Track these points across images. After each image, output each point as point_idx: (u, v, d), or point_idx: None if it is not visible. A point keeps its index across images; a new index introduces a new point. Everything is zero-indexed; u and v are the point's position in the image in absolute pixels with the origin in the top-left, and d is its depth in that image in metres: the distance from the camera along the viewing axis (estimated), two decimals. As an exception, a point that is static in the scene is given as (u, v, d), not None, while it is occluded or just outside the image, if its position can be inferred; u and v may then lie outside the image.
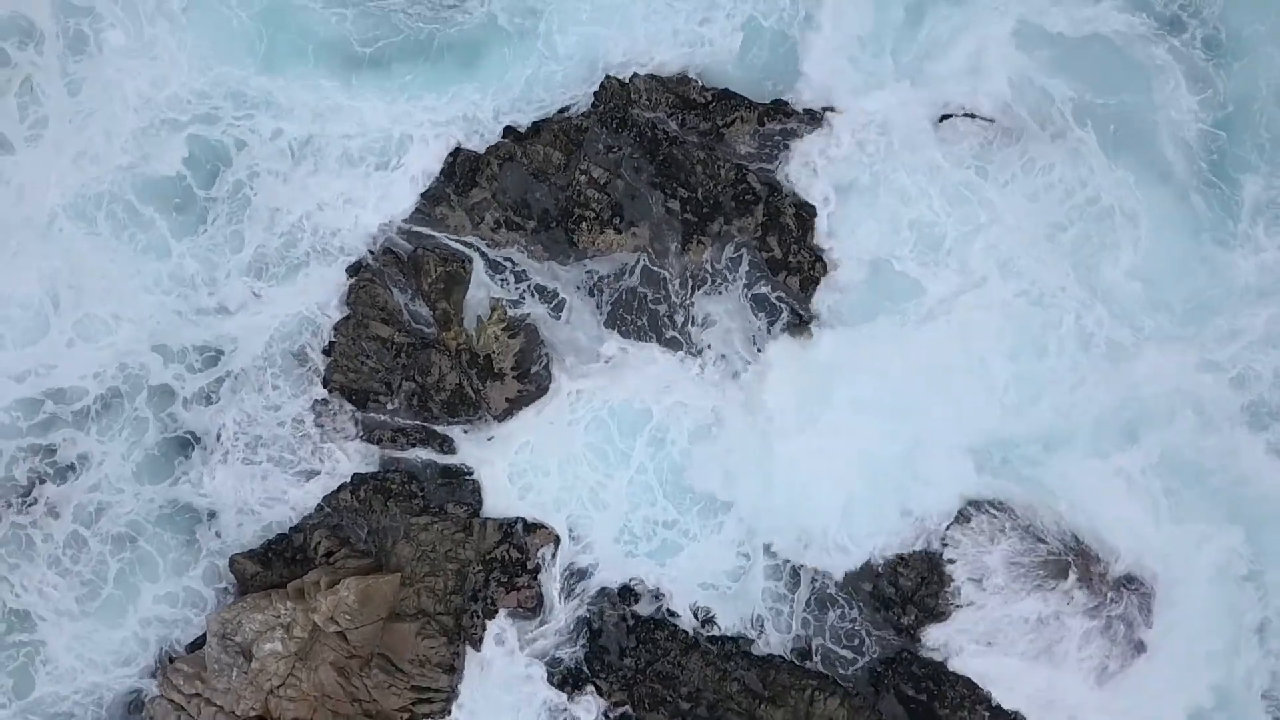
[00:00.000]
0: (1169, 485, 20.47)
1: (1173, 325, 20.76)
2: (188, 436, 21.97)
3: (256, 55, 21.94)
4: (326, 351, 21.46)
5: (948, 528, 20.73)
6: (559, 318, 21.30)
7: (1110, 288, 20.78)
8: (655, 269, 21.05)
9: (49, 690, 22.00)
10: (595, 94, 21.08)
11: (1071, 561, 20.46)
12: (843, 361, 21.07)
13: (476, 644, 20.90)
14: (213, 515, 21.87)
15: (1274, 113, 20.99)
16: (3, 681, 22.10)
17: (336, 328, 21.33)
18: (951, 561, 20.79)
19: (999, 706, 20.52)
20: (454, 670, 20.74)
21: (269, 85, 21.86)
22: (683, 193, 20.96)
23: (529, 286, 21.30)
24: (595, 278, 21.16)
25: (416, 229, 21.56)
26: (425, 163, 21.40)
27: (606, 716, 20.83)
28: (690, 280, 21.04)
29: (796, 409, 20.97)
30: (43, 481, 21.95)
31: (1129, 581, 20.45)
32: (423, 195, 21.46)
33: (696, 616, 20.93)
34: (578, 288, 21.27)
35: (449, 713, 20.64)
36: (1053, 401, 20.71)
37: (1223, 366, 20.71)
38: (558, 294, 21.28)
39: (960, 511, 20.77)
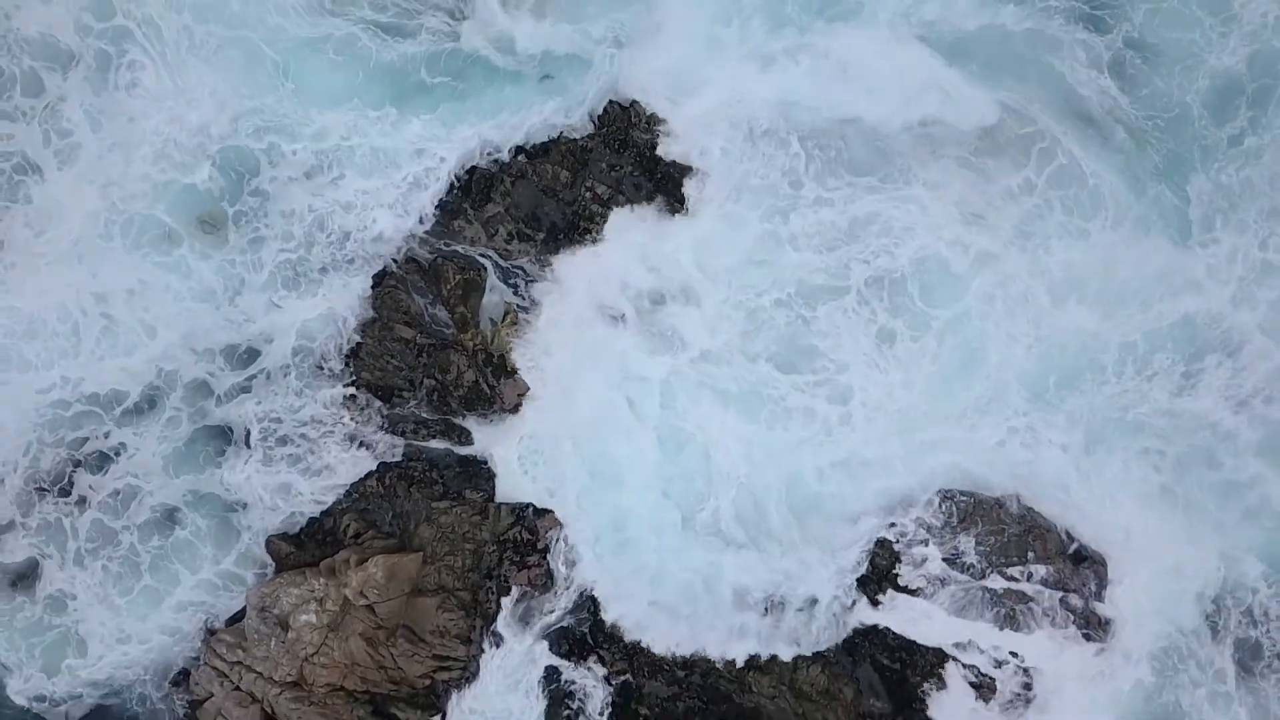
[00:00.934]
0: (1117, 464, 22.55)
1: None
2: (223, 430, 24.10)
3: (284, 84, 24.12)
4: (354, 352, 23.63)
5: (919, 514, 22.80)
6: (565, 320, 23.50)
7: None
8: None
9: (96, 663, 24.16)
10: (599, 118, 23.24)
11: (1030, 543, 22.48)
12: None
13: (491, 618, 22.98)
14: (244, 505, 24.05)
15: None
16: (50, 658, 24.33)
17: (364, 330, 23.47)
18: (924, 543, 22.80)
19: (966, 673, 22.56)
20: (470, 641, 22.80)
21: (298, 111, 23.97)
22: (679, 207, 23.14)
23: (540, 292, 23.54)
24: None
25: (436, 240, 23.69)
26: (444, 180, 23.60)
27: (608, 682, 22.88)
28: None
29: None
30: (94, 471, 24.10)
31: (1082, 559, 22.46)
32: (441, 209, 23.60)
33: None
34: (584, 293, 23.52)
35: (465, 680, 22.75)
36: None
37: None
38: (565, 299, 23.52)
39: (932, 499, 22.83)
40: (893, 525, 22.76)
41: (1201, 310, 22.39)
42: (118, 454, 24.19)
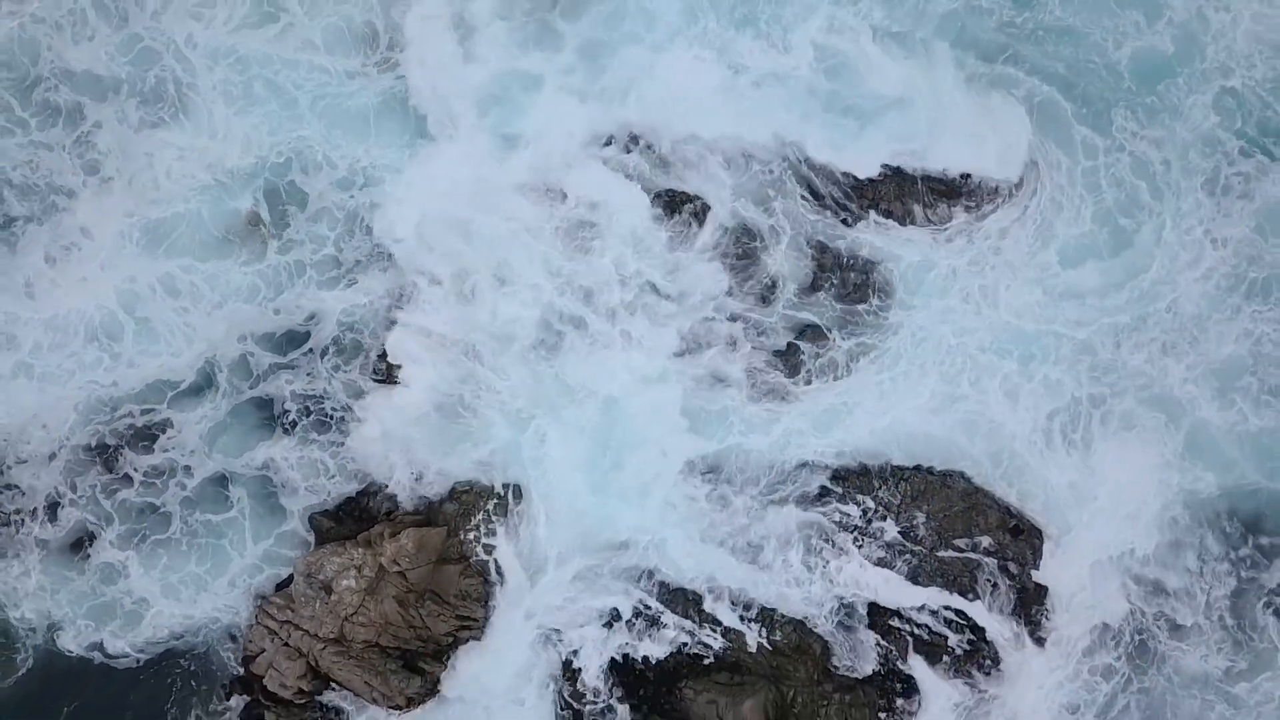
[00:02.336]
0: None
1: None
2: (270, 414, 27.41)
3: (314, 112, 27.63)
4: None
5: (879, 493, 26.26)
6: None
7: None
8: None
9: (155, 626, 27.36)
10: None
11: (975, 518, 25.90)
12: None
13: (504, 585, 26.37)
14: (287, 484, 27.38)
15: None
16: (105, 618, 27.40)
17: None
18: (883, 519, 26.20)
19: (919, 632, 25.97)
20: (488, 603, 26.19)
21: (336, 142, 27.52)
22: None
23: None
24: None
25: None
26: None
27: (605, 644, 26.26)
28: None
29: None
30: (142, 451, 27.21)
31: (1020, 531, 25.90)
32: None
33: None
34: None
35: (481, 637, 26.19)
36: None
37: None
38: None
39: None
40: (856, 501, 26.17)
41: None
42: (166, 433, 27.26)
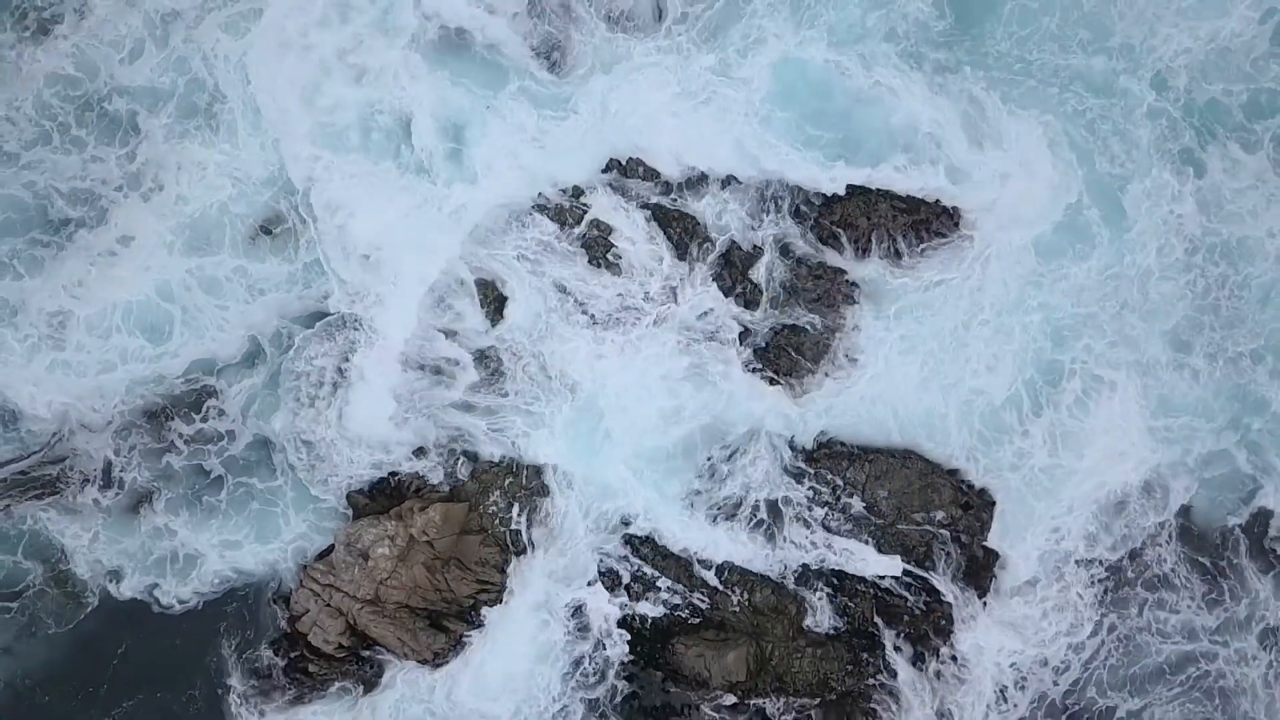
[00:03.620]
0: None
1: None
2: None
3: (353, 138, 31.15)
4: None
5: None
6: (577, 325, 30.62)
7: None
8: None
9: (204, 580, 30.90)
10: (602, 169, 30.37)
11: (930, 495, 29.63)
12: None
13: (519, 552, 30.06)
14: (328, 460, 30.98)
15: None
16: (165, 576, 30.73)
17: (423, 332, 30.63)
18: (850, 495, 29.91)
19: (882, 595, 29.72)
20: (504, 570, 29.90)
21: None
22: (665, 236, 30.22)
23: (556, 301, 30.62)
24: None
25: (473, 260, 30.69)
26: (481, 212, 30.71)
27: (607, 604, 29.96)
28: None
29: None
30: (195, 421, 30.72)
31: (969, 506, 29.62)
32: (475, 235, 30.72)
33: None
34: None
35: (501, 599, 29.90)
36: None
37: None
38: (576, 309, 30.65)
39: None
40: (828, 480, 29.86)
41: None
42: (210, 402, 30.87)
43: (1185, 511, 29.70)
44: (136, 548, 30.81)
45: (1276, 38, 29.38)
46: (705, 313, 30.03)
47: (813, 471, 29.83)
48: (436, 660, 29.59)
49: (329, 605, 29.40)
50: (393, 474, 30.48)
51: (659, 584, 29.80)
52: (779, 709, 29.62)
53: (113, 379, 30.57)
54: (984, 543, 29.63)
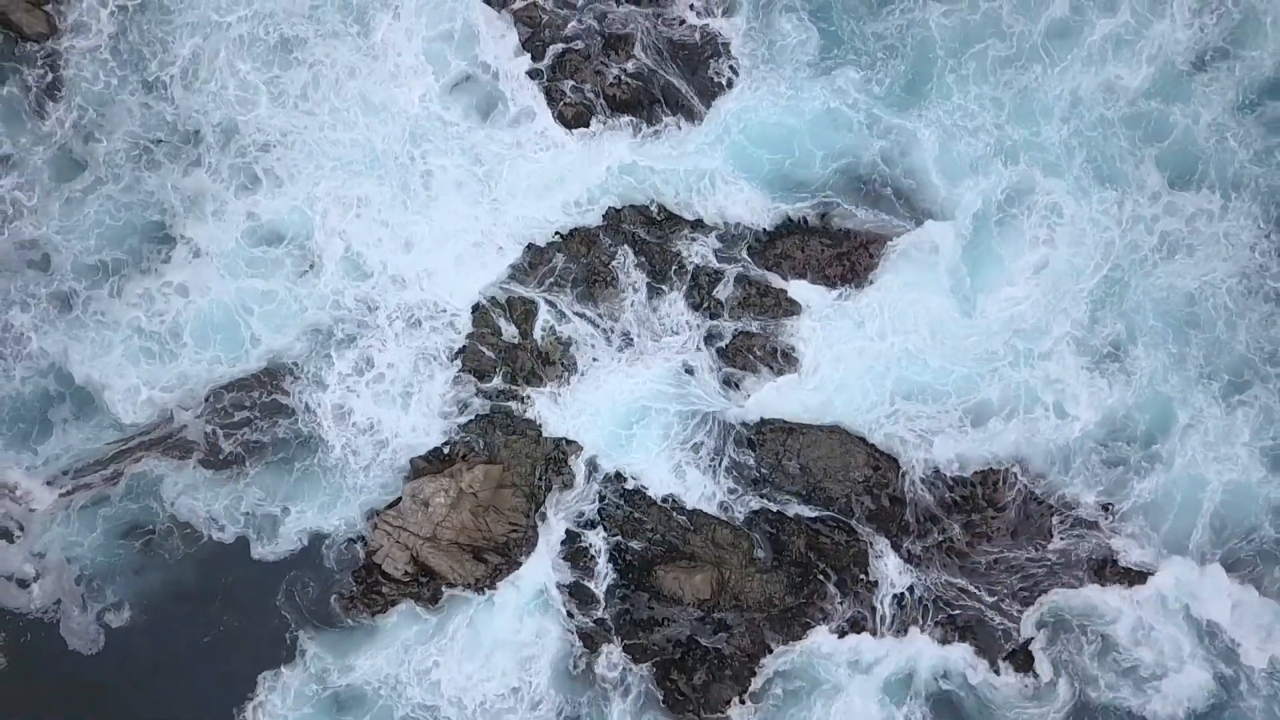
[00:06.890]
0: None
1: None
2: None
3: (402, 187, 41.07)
4: (460, 350, 40.42)
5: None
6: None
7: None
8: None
9: (300, 533, 40.62)
10: (604, 215, 40.16)
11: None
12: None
13: (541, 504, 39.81)
14: (389, 439, 40.68)
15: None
16: (262, 526, 40.50)
17: (468, 336, 40.38)
18: (789, 459, 39.71)
19: (811, 533, 39.47)
20: (529, 516, 39.67)
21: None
22: (650, 265, 40.03)
23: (569, 316, 40.41)
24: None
25: (506, 286, 40.46)
26: (513, 250, 40.49)
27: (606, 541, 39.68)
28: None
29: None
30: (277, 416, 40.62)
31: (879, 466, 39.43)
32: (511, 267, 40.44)
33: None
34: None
35: (528, 538, 39.61)
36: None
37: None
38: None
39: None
40: (770, 448, 39.66)
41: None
42: (306, 407, 40.72)
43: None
44: (241, 503, 40.31)
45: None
46: (680, 323, 39.97)
47: (760, 441, 39.60)
48: (479, 584, 39.27)
49: (398, 543, 39.10)
50: (447, 443, 40.28)
51: (644, 525, 39.57)
52: (737, 620, 39.37)
53: (210, 367, 40.04)
54: (891, 494, 39.43)
